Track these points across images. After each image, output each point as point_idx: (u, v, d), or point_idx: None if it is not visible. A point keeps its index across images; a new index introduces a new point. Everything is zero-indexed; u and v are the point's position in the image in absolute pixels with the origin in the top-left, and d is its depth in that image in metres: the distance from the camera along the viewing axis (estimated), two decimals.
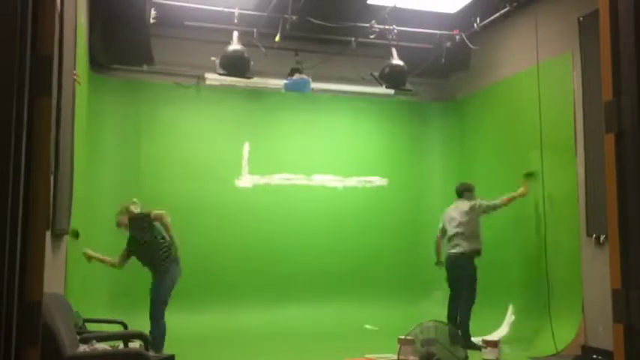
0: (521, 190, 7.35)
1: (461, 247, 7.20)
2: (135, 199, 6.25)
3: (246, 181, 8.70)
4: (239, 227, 8.49)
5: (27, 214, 1.95)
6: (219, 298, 8.11)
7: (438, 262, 7.55)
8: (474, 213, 7.27)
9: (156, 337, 5.79)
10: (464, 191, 7.50)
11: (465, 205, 7.34)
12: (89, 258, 6.20)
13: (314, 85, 8.39)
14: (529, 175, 7.47)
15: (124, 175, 8.14)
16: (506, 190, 8.10)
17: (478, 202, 7.34)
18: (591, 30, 6.40)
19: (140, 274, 6.27)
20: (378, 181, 9.31)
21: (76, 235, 5.79)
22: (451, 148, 9.43)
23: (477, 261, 7.26)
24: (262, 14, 7.47)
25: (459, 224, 7.26)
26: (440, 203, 9.43)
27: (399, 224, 9.18)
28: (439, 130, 9.62)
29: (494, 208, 7.32)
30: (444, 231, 7.48)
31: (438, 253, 7.56)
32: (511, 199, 7.30)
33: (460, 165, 9.20)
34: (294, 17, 7.36)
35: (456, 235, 7.26)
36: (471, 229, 7.24)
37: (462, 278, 7.21)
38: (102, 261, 6.24)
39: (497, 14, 7.54)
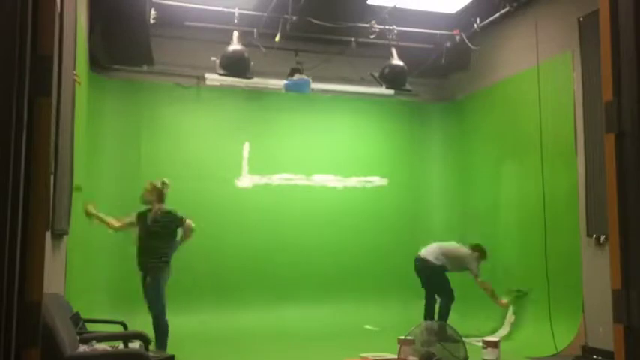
0: (503, 302, 7.60)
1: (428, 253, 7.48)
2: (166, 180, 6.16)
3: (246, 181, 8.70)
4: (239, 227, 8.48)
5: (27, 214, 1.95)
6: (219, 298, 8.11)
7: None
8: (462, 259, 7.51)
9: (160, 335, 5.79)
10: (474, 249, 7.64)
11: (467, 251, 7.57)
12: (89, 215, 6.04)
13: (314, 86, 8.39)
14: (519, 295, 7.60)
15: (124, 175, 8.13)
16: (505, 190, 8.12)
17: (473, 264, 7.49)
18: (591, 30, 6.40)
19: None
20: (378, 181, 9.31)
21: (79, 189, 5.69)
22: (451, 148, 9.43)
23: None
24: (262, 14, 7.47)
25: (452, 247, 7.59)
26: (440, 203, 9.46)
27: (398, 224, 9.17)
28: (439, 130, 9.61)
29: (474, 275, 7.51)
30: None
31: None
32: (489, 293, 7.58)
33: (460, 165, 9.20)
34: (294, 17, 7.36)
35: (437, 246, 7.59)
36: (454, 256, 7.49)
37: (427, 281, 7.50)
38: (103, 221, 6.10)
39: (497, 14, 7.54)
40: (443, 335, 5.51)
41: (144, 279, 5.97)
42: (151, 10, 7.11)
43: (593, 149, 6.57)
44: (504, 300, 7.56)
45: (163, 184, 6.09)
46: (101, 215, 6.14)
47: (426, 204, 9.45)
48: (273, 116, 8.91)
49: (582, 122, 6.77)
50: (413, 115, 9.55)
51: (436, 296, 7.55)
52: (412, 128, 9.54)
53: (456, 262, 7.51)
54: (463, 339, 5.60)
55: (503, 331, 7.41)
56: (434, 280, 7.46)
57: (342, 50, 8.44)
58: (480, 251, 7.60)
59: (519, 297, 7.49)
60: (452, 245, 7.64)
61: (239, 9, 7.42)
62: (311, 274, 8.62)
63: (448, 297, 7.40)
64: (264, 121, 8.86)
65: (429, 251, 7.51)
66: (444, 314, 7.32)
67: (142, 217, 6.03)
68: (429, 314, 7.46)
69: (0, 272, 1.86)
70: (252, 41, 7.68)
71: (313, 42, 8.43)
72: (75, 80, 5.16)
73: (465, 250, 7.58)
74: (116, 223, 6.14)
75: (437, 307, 7.54)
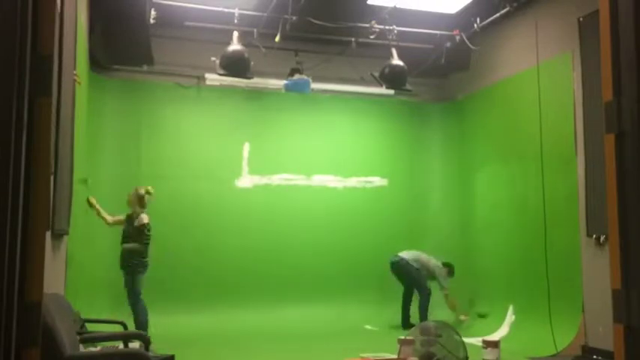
0: (462, 318, 8.11)
1: (406, 254, 8.31)
2: (150, 188, 6.78)
3: (246, 181, 8.70)
4: (239, 228, 8.48)
5: (27, 214, 1.95)
6: (219, 298, 8.11)
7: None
8: (432, 270, 8.25)
9: (140, 321, 6.39)
10: (445, 265, 8.35)
11: (437, 264, 8.31)
12: (90, 205, 6.82)
13: (314, 86, 8.39)
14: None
15: (124, 176, 8.13)
16: (505, 190, 8.12)
17: (442, 278, 8.23)
18: (591, 30, 6.40)
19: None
20: (378, 181, 9.30)
21: (84, 182, 6.44)
22: (451, 148, 9.43)
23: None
24: (262, 14, 7.47)
25: (424, 257, 8.35)
26: (440, 203, 9.46)
27: (399, 224, 9.17)
28: (439, 131, 9.61)
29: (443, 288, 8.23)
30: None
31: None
32: (453, 308, 8.23)
33: (460, 165, 9.20)
34: (294, 17, 7.35)
35: (415, 252, 8.44)
36: (425, 265, 8.27)
37: (406, 277, 8.30)
38: (99, 214, 6.87)
39: (497, 14, 7.54)
40: (443, 335, 5.50)
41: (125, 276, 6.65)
42: (151, 10, 7.11)
43: (593, 149, 6.57)
44: (464, 317, 8.10)
45: (147, 192, 6.73)
46: (99, 208, 6.89)
47: (426, 204, 9.44)
48: (273, 116, 8.91)
49: (582, 122, 6.76)
50: (413, 115, 9.55)
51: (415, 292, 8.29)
52: (412, 128, 9.53)
53: (427, 270, 8.25)
54: (463, 339, 5.59)
55: (503, 331, 7.40)
56: (412, 276, 8.19)
57: (342, 50, 8.44)
58: (449, 268, 8.31)
59: (481, 316, 7.95)
60: (424, 255, 8.35)
61: (239, 9, 7.42)
62: (311, 274, 8.62)
63: (425, 293, 8.13)
64: (264, 121, 8.86)
65: (407, 254, 8.30)
66: (423, 313, 7.99)
67: (128, 218, 6.70)
68: (405, 310, 8.21)
69: (0, 272, 1.86)
70: (252, 41, 7.68)
71: (313, 42, 8.43)
72: (75, 80, 5.16)
73: (434, 262, 8.30)
74: (109, 219, 6.91)
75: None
